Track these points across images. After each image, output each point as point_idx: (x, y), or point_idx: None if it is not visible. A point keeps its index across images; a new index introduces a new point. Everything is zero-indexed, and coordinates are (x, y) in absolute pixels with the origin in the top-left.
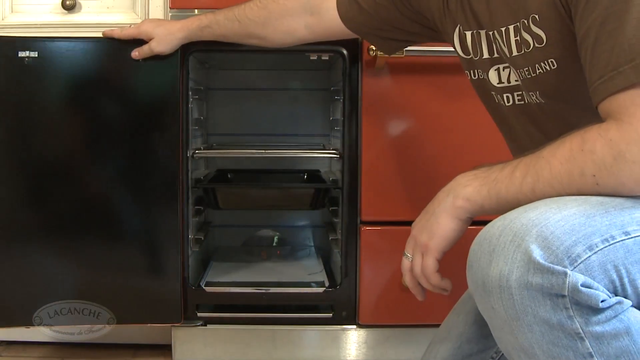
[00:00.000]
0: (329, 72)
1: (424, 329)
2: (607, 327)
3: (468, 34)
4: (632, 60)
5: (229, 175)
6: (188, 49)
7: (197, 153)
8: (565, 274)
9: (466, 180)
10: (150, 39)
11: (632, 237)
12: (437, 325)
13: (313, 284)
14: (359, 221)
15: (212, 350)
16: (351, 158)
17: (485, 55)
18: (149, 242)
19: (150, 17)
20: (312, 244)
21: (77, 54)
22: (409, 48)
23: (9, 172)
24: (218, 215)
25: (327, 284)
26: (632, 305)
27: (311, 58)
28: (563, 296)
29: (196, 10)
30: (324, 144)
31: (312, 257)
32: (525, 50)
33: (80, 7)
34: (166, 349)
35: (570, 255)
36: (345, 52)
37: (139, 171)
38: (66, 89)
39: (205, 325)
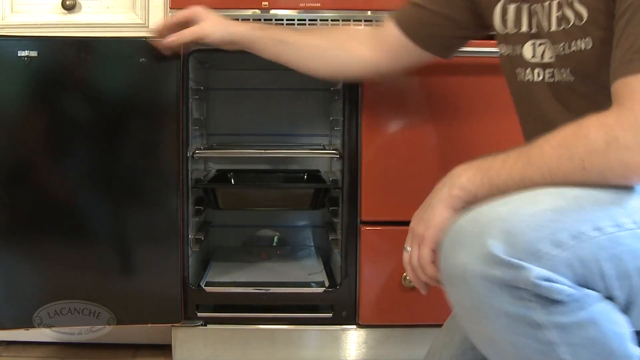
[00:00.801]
0: None
1: (424, 329)
2: (573, 318)
3: (511, 7)
4: None
5: (229, 175)
6: (188, 49)
7: (197, 153)
8: (525, 268)
9: (461, 169)
10: (201, 22)
11: (604, 234)
12: (437, 325)
13: (313, 284)
14: (359, 221)
15: (212, 350)
16: (351, 158)
17: (524, 29)
18: (149, 242)
19: (150, 17)
20: (312, 244)
21: (77, 54)
22: None
23: (9, 172)
24: (218, 215)
25: (327, 284)
26: (604, 297)
27: None
28: (522, 289)
29: None
30: (324, 144)
31: (312, 257)
32: (565, 26)
33: (80, 7)
34: (166, 349)
35: (532, 250)
36: None
37: (139, 171)
38: (66, 89)
39: (205, 325)
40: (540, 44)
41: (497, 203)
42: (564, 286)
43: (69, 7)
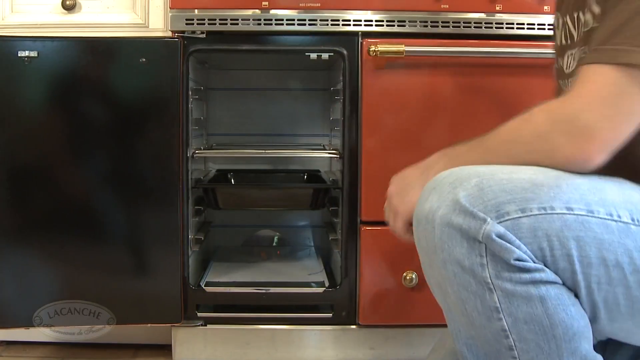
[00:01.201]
0: (329, 72)
1: (424, 329)
2: (519, 288)
3: (559, 21)
4: (617, 44)
5: (229, 175)
6: (188, 49)
7: (197, 153)
8: (485, 220)
9: (437, 157)
10: None
11: (574, 214)
12: (437, 326)
13: (313, 284)
14: (359, 221)
15: (212, 350)
16: (351, 158)
17: (562, 41)
18: (149, 241)
19: (150, 17)
20: (312, 244)
21: (77, 54)
22: (408, 48)
23: (9, 172)
24: (218, 215)
25: (327, 284)
26: (562, 284)
27: (311, 58)
28: (479, 242)
29: (196, 10)
30: (324, 144)
31: (312, 257)
32: (584, 30)
33: (80, 7)
34: (166, 349)
35: (499, 210)
36: (345, 52)
37: (139, 171)
38: (66, 89)
39: (205, 325)
40: (570, 54)
41: (479, 165)
42: (519, 250)
43: (69, 7)
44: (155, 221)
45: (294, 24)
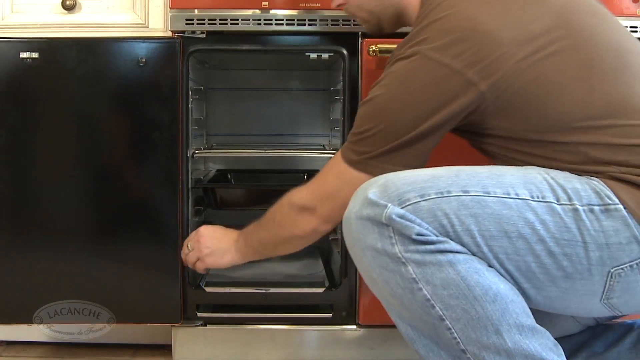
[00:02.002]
0: (329, 72)
1: None
2: (428, 257)
3: None
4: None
5: (229, 175)
6: (188, 49)
7: (197, 153)
8: (386, 206)
9: (231, 253)
10: None
11: (470, 195)
12: None
13: (313, 284)
14: None
15: (212, 350)
16: None
17: None
18: (149, 241)
19: (150, 17)
20: (312, 244)
21: (78, 55)
22: None
23: (10, 173)
24: (218, 215)
25: (327, 284)
26: (472, 254)
27: (311, 58)
28: (386, 225)
29: (196, 10)
30: (324, 144)
31: (312, 257)
32: None
33: (80, 7)
34: (166, 349)
35: (400, 197)
36: (345, 52)
37: (139, 171)
38: (67, 90)
39: (205, 325)
40: None
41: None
42: (419, 227)
43: (69, 7)
44: (155, 221)
45: (294, 24)
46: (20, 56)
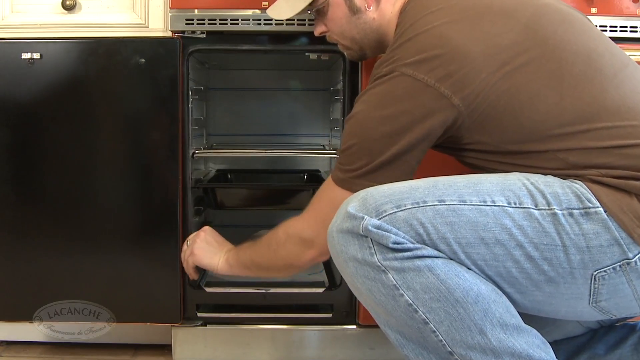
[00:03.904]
0: (329, 72)
1: None
2: (407, 264)
3: None
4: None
5: (229, 175)
6: (188, 49)
7: (197, 153)
8: (363, 218)
9: (220, 259)
10: None
11: (445, 204)
12: None
13: (313, 284)
14: None
15: (212, 350)
16: None
17: None
18: (149, 242)
19: (150, 17)
20: None
21: (79, 55)
22: None
23: (12, 173)
24: (218, 215)
25: (327, 284)
26: (449, 258)
27: (311, 58)
28: (364, 236)
29: (196, 10)
30: (324, 144)
31: None
32: None
33: (80, 7)
34: (166, 349)
35: (377, 209)
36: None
37: (139, 171)
38: (68, 90)
39: (205, 325)
40: None
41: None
42: (395, 236)
43: (69, 7)
44: (155, 221)
45: (293, 24)
46: (22, 57)
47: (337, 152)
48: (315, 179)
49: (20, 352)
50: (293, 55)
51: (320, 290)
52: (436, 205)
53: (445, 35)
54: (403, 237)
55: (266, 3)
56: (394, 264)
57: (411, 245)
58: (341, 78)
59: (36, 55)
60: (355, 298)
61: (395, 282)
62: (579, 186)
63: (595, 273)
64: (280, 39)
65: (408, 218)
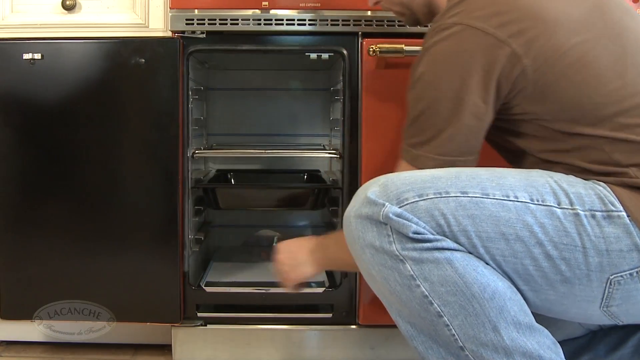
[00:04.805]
0: (329, 72)
1: None
2: (426, 255)
3: None
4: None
5: (229, 175)
6: (188, 49)
7: (197, 153)
8: (384, 205)
9: (317, 246)
10: None
11: (468, 196)
12: None
13: (313, 284)
14: None
15: (212, 350)
16: (351, 158)
17: None
18: (149, 241)
19: (150, 17)
20: None
21: (81, 55)
22: (408, 48)
23: (13, 173)
24: (218, 215)
25: (327, 284)
26: (467, 252)
27: (311, 58)
28: (384, 224)
29: (196, 10)
30: (324, 144)
31: None
32: None
33: (80, 7)
34: (166, 349)
35: (399, 197)
36: (345, 52)
37: (139, 171)
38: (70, 90)
39: (205, 325)
40: None
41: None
42: (416, 225)
43: (69, 7)
44: (155, 221)
45: (294, 24)
46: (24, 57)
47: (405, 126)
48: (315, 179)
49: (20, 352)
50: (293, 55)
51: (320, 290)
52: (459, 196)
53: None
54: (423, 228)
55: (266, 3)
56: (412, 254)
57: (431, 237)
58: (341, 78)
59: (37, 56)
60: (356, 298)
61: (412, 273)
62: (602, 189)
63: (611, 277)
64: (280, 39)
65: (430, 208)
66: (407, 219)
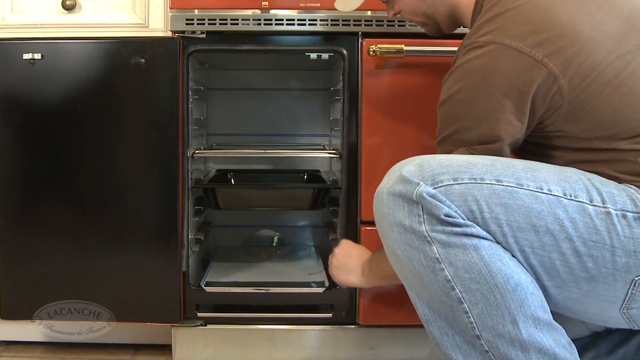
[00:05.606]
0: (329, 72)
1: (424, 329)
2: (454, 239)
3: None
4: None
5: (229, 175)
6: (188, 49)
7: (197, 153)
8: (418, 184)
9: (368, 258)
10: None
11: (502, 185)
12: None
13: (313, 284)
14: (359, 221)
15: (212, 350)
16: (351, 158)
17: None
18: (149, 241)
19: (150, 17)
20: (312, 244)
21: (81, 55)
22: (408, 48)
23: (13, 173)
24: (218, 215)
25: (327, 284)
26: (496, 240)
27: (311, 58)
28: (416, 202)
29: (196, 10)
30: (324, 144)
31: (312, 257)
32: None
33: (80, 7)
34: (166, 349)
35: (434, 178)
36: (345, 52)
37: (139, 171)
38: (70, 90)
39: (205, 325)
40: None
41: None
42: (448, 208)
43: (69, 7)
44: (155, 221)
45: (294, 24)
46: (24, 57)
47: (436, 141)
48: (315, 179)
49: (20, 352)
50: (293, 55)
51: (320, 290)
52: (493, 184)
53: (553, 9)
54: (455, 212)
55: (266, 3)
56: (440, 237)
57: (462, 221)
58: (341, 78)
59: (37, 56)
60: (356, 298)
61: (438, 255)
62: (634, 191)
63: (636, 278)
64: (280, 39)
65: (464, 193)
66: (440, 201)
